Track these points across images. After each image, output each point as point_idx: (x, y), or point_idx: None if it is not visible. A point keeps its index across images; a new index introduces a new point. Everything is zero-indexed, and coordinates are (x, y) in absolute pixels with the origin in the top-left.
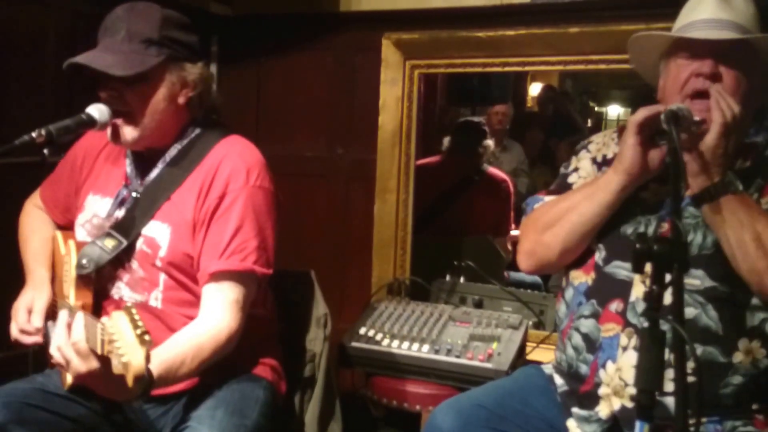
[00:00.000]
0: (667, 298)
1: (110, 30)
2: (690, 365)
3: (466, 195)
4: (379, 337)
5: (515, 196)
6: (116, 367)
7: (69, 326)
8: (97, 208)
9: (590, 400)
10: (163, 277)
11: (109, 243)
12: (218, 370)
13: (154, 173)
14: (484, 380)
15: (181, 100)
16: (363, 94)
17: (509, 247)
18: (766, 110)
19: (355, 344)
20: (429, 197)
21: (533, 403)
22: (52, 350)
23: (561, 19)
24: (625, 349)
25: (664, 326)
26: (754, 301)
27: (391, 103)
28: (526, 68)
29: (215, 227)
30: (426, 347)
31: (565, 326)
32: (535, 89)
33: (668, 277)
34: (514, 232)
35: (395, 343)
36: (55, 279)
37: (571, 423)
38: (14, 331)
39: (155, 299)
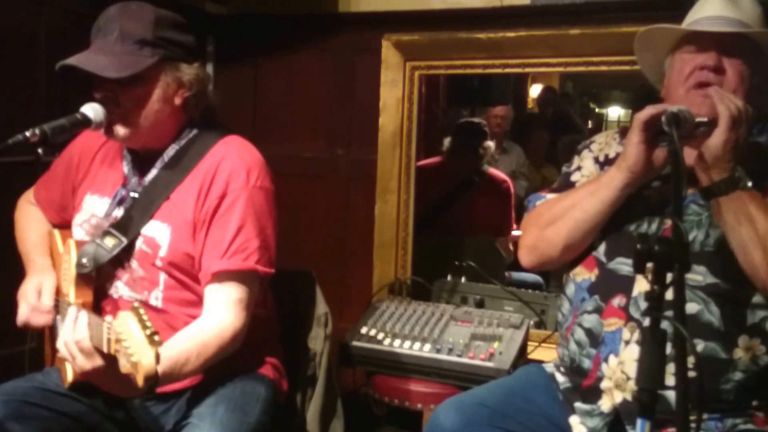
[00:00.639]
0: (669, 294)
1: (103, 30)
2: (691, 359)
3: (467, 195)
4: (380, 336)
5: (514, 198)
6: (124, 367)
7: (74, 324)
8: (95, 208)
9: (593, 394)
10: (163, 276)
11: (109, 242)
12: (220, 368)
13: (153, 173)
14: (485, 379)
15: (177, 100)
16: (363, 95)
17: (510, 247)
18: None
19: (356, 343)
20: (430, 198)
21: (535, 401)
22: (59, 345)
23: (562, 21)
24: (627, 343)
25: (666, 322)
26: (756, 298)
27: (391, 104)
28: (527, 70)
29: (216, 227)
30: (428, 346)
31: (569, 323)
32: (535, 91)
33: (669, 277)
34: (515, 232)
35: (397, 342)
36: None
37: (573, 420)
38: (24, 313)
39: (155, 299)
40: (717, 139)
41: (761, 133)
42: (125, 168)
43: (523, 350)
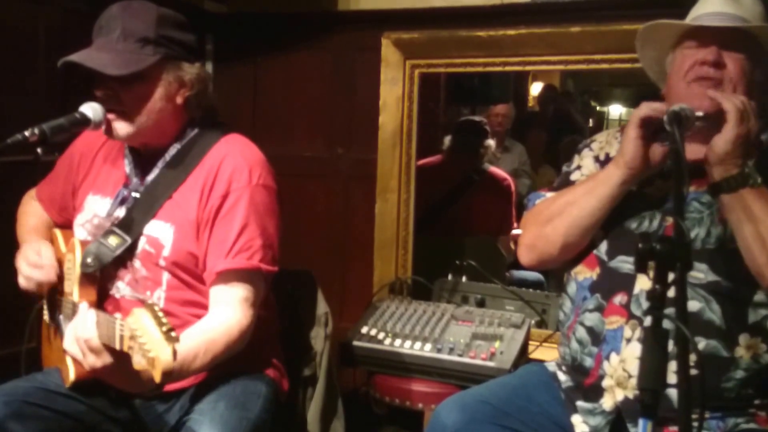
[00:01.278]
0: (671, 291)
1: (105, 29)
2: (692, 358)
3: (468, 194)
4: (381, 336)
5: (516, 196)
6: (138, 363)
7: (82, 322)
8: (97, 209)
9: (595, 392)
10: (166, 276)
11: (113, 241)
12: (221, 367)
13: (154, 173)
14: (486, 379)
15: (178, 100)
16: (362, 94)
17: (511, 246)
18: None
19: (357, 343)
20: (430, 197)
21: (537, 400)
22: (66, 344)
23: (562, 19)
24: (629, 340)
25: (668, 321)
26: (758, 297)
27: (391, 103)
28: (527, 68)
29: (220, 226)
30: (428, 346)
31: (571, 321)
32: (536, 89)
33: (671, 276)
34: (516, 231)
35: (398, 342)
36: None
37: (575, 419)
38: (25, 270)
39: (158, 298)
40: (727, 135)
41: (763, 131)
42: (127, 168)
43: (524, 350)
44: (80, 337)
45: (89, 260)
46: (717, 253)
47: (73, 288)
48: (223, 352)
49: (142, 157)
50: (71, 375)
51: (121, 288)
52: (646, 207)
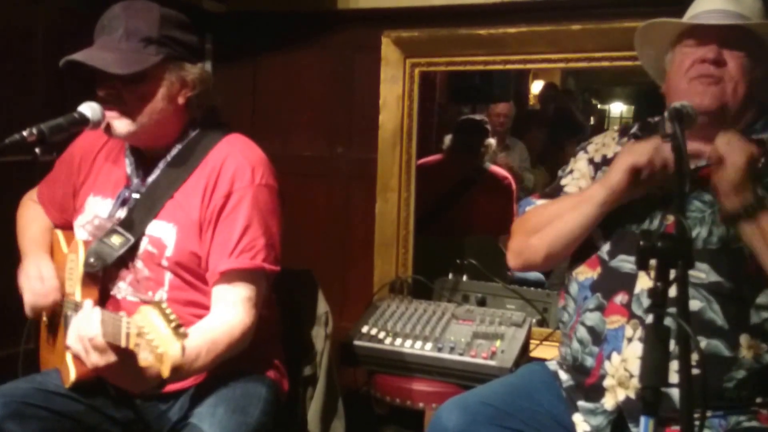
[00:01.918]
0: (672, 290)
1: (107, 28)
2: (694, 357)
3: (468, 193)
4: (382, 335)
5: (521, 193)
6: (145, 360)
7: (86, 321)
8: (98, 209)
9: (596, 392)
10: (168, 276)
11: (116, 240)
12: (221, 368)
13: (156, 173)
14: (487, 378)
15: (180, 100)
16: (362, 93)
17: None
18: None
19: (358, 343)
20: (431, 196)
21: (539, 399)
22: (70, 342)
23: (563, 17)
24: (630, 340)
25: (669, 320)
26: (761, 299)
27: (391, 102)
28: (528, 66)
29: (223, 226)
30: (429, 345)
31: (573, 322)
32: (537, 87)
33: (672, 274)
34: None
35: (398, 341)
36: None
37: (577, 418)
38: (30, 299)
39: (159, 299)
40: (731, 168)
41: (764, 129)
42: (128, 168)
43: (525, 348)
44: (84, 335)
45: (92, 260)
46: (719, 254)
47: (75, 288)
48: (225, 352)
49: (144, 157)
50: (72, 375)
51: (123, 289)
52: (647, 206)
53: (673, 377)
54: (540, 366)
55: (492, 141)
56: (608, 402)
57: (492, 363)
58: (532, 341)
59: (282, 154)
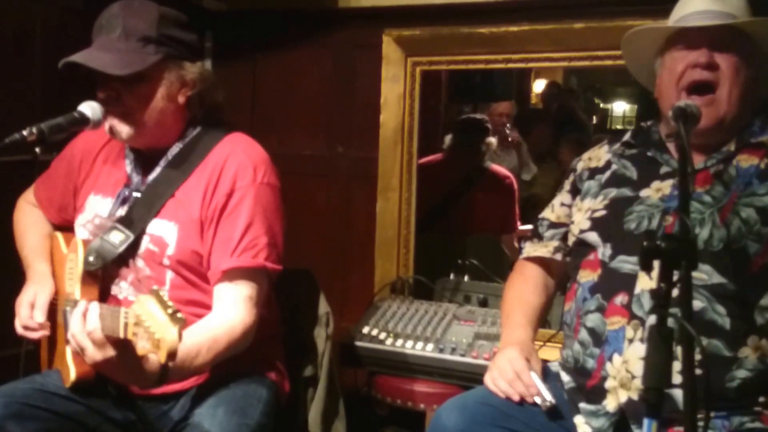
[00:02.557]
0: (674, 290)
1: (106, 28)
2: (696, 357)
3: (469, 193)
4: (383, 336)
5: (521, 185)
6: (143, 348)
7: (84, 315)
8: (98, 209)
9: (597, 394)
10: (170, 275)
11: (116, 238)
12: (222, 369)
13: (156, 172)
14: None
15: (180, 99)
16: (363, 92)
17: (515, 244)
18: None
19: (358, 343)
20: (431, 196)
21: None
22: (69, 337)
23: (566, 15)
24: (631, 341)
25: (671, 320)
26: (765, 301)
27: (392, 101)
28: (530, 65)
29: (225, 225)
30: (430, 346)
31: (574, 324)
32: (539, 86)
33: (675, 274)
34: (522, 227)
35: (399, 342)
36: (54, 277)
37: (578, 420)
38: (19, 329)
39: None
40: None
41: (763, 131)
42: (128, 168)
43: None
44: (83, 330)
45: (92, 258)
46: (721, 255)
47: (74, 287)
48: (226, 351)
49: (144, 156)
50: (72, 375)
51: (124, 288)
52: (645, 208)
53: (676, 378)
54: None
55: (492, 139)
56: (610, 404)
57: None
58: (534, 342)
59: (282, 154)
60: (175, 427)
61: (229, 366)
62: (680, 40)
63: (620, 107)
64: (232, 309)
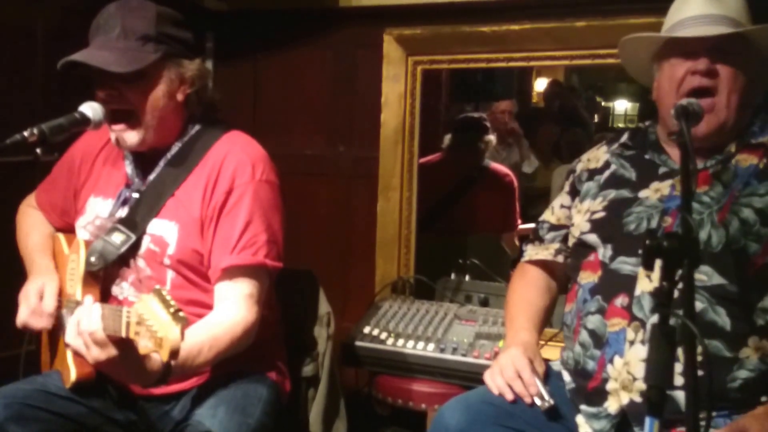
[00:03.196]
0: (675, 291)
1: (104, 27)
2: (698, 358)
3: (469, 192)
4: (384, 336)
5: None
6: (145, 347)
7: (86, 316)
8: (99, 210)
9: (598, 396)
10: (170, 275)
11: (117, 238)
12: (222, 369)
13: (156, 172)
14: None
15: (179, 97)
16: (364, 91)
17: (516, 242)
18: None
19: (359, 343)
20: (432, 195)
21: None
22: (69, 338)
23: (567, 13)
24: (632, 343)
25: (673, 320)
26: (765, 302)
27: (393, 100)
28: (532, 63)
29: (224, 223)
30: (431, 346)
31: (575, 325)
32: (540, 84)
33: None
34: (522, 226)
35: (400, 342)
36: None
37: (580, 419)
38: (24, 315)
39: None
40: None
41: (763, 132)
42: (128, 169)
43: None
44: (84, 330)
45: (93, 259)
46: (721, 256)
47: (76, 288)
48: (228, 349)
49: (144, 156)
50: (72, 375)
51: (125, 288)
52: (644, 209)
53: (677, 379)
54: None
55: (491, 138)
56: (611, 406)
57: None
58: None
59: (283, 153)
60: (176, 427)
61: (230, 366)
62: (679, 47)
63: (622, 105)
64: (233, 307)
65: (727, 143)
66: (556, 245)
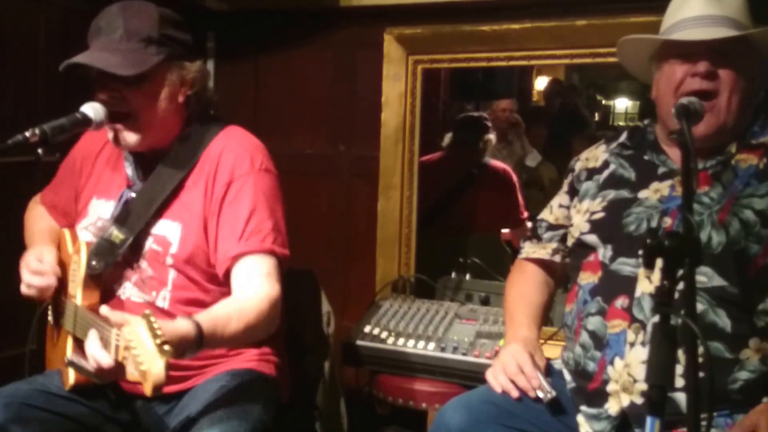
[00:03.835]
0: (675, 292)
1: (105, 29)
2: (698, 359)
3: (470, 190)
4: (384, 335)
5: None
6: (132, 375)
7: (93, 354)
8: (101, 212)
9: (599, 397)
10: (172, 275)
11: (116, 238)
12: (222, 368)
13: (156, 171)
14: None
15: (180, 98)
16: (364, 91)
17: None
18: None
19: (360, 342)
20: (432, 194)
21: None
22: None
23: (567, 12)
24: (632, 345)
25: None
26: (766, 305)
27: (393, 99)
28: (532, 62)
29: (228, 213)
30: (432, 345)
31: (575, 326)
32: (540, 83)
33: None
34: (529, 224)
35: (401, 341)
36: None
37: (580, 418)
38: (26, 278)
39: (163, 299)
40: None
41: (763, 132)
42: (128, 170)
43: None
44: (100, 364)
45: (94, 262)
46: (721, 258)
47: (77, 290)
48: (257, 323)
49: (144, 157)
50: (71, 379)
51: (128, 289)
52: (644, 209)
53: (678, 381)
54: None
55: (491, 136)
56: (612, 407)
57: None
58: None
59: (284, 152)
60: (176, 426)
61: (230, 365)
62: (678, 48)
63: (622, 104)
64: (256, 283)
65: (727, 144)
66: (554, 245)
